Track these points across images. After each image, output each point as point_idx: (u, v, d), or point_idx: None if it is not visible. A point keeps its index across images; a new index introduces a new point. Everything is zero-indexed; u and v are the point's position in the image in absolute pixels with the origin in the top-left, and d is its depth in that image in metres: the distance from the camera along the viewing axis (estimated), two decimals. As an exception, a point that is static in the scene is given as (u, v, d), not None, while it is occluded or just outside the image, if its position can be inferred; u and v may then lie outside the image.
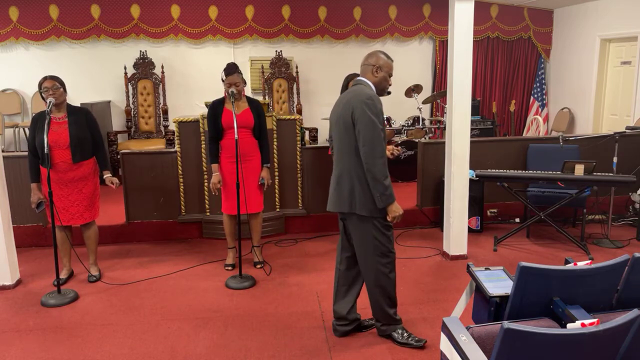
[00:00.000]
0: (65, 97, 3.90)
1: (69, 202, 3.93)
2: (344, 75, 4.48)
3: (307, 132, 7.06)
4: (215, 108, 4.10)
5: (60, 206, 3.89)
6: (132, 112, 7.38)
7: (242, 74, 4.06)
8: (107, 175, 4.04)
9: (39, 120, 3.83)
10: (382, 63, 2.98)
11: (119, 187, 4.18)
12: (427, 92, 7.78)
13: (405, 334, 3.12)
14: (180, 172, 5.00)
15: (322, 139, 7.52)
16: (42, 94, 3.81)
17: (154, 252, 4.79)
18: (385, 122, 2.61)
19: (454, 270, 4.28)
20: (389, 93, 3.05)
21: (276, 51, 7.66)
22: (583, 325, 1.87)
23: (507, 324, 1.62)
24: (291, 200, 5.22)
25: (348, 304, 3.18)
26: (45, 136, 3.62)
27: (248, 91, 7.68)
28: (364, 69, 3.04)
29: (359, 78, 3.04)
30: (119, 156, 5.43)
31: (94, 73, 7.36)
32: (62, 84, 3.86)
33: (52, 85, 3.77)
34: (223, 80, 4.01)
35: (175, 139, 5.00)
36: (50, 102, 3.72)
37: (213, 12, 7.44)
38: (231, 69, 3.99)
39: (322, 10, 7.68)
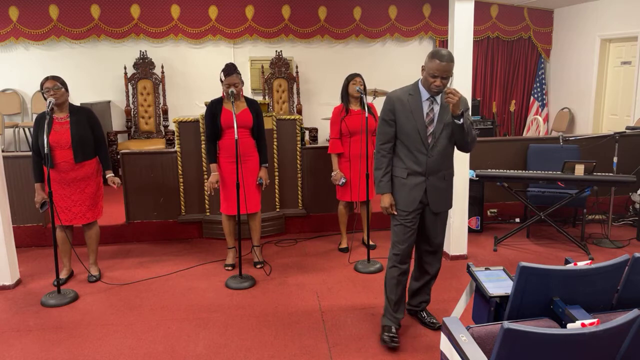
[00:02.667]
0: (67, 97, 3.90)
1: (71, 202, 3.93)
2: (344, 75, 4.48)
3: (307, 132, 7.06)
4: (214, 107, 4.10)
5: (63, 206, 3.89)
6: (132, 112, 7.38)
7: (240, 74, 4.06)
8: (109, 175, 4.05)
9: (41, 121, 3.82)
10: (425, 63, 2.97)
11: (119, 187, 4.18)
12: (427, 92, 7.76)
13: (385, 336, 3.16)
14: (180, 172, 5.00)
15: (322, 139, 7.52)
16: (44, 94, 3.81)
17: (154, 252, 4.79)
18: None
19: (454, 270, 4.28)
20: (437, 92, 2.96)
21: (276, 51, 7.66)
22: (583, 325, 1.87)
23: (507, 324, 1.62)
24: (291, 200, 5.22)
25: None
26: (45, 136, 3.62)
27: (248, 91, 7.68)
28: None
29: None
30: (119, 156, 5.43)
31: (94, 73, 7.36)
32: (64, 84, 3.86)
33: (53, 86, 3.77)
34: (222, 81, 4.01)
35: (175, 139, 5.00)
36: (50, 102, 3.72)
37: (213, 12, 7.44)
38: (230, 70, 3.99)
39: (322, 10, 7.68)
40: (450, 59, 2.88)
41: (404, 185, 3.08)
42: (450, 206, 3.22)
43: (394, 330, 3.15)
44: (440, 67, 2.87)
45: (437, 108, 3.02)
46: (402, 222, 3.12)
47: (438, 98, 3.02)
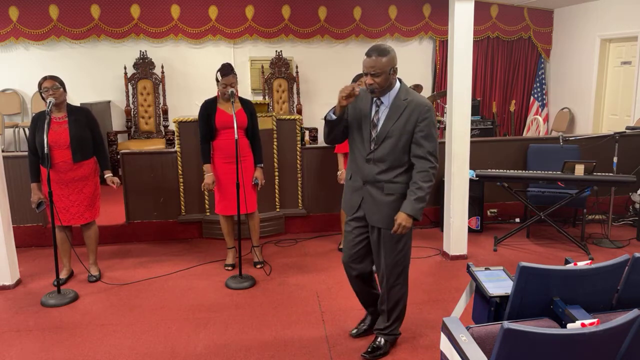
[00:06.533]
0: (65, 97, 3.89)
1: (69, 202, 3.93)
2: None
3: (307, 132, 7.05)
4: (208, 108, 4.08)
5: (61, 206, 3.89)
6: (132, 112, 7.38)
7: (236, 74, 4.06)
8: (108, 174, 4.04)
9: (39, 120, 3.82)
10: None
11: (119, 187, 4.18)
12: (427, 92, 7.77)
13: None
14: (180, 172, 5.00)
15: (322, 138, 7.53)
16: (42, 94, 3.80)
17: (154, 252, 4.79)
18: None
19: (454, 270, 4.28)
20: (371, 92, 2.77)
21: (276, 51, 7.66)
22: (583, 325, 1.87)
23: (507, 324, 1.62)
24: (291, 200, 5.22)
25: None
26: (45, 136, 3.62)
27: (248, 91, 7.69)
28: None
29: None
30: (119, 156, 5.43)
31: (94, 73, 7.36)
32: (62, 84, 3.86)
33: (52, 85, 3.77)
34: (218, 81, 4.00)
35: (175, 139, 5.01)
36: (50, 102, 3.72)
37: (213, 12, 7.44)
38: (228, 70, 3.99)
39: (322, 10, 7.68)
40: (377, 53, 2.67)
41: (348, 187, 2.97)
42: (390, 226, 2.79)
43: (367, 320, 3.24)
44: (366, 62, 2.70)
45: (383, 112, 2.78)
46: (347, 226, 2.99)
47: (385, 100, 2.79)
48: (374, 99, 2.81)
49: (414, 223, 2.80)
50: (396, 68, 2.76)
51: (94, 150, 4.00)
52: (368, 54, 2.72)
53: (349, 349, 3.10)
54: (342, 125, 2.88)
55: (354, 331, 3.25)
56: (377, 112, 2.81)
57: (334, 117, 2.81)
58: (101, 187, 4.17)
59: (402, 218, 2.73)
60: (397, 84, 2.82)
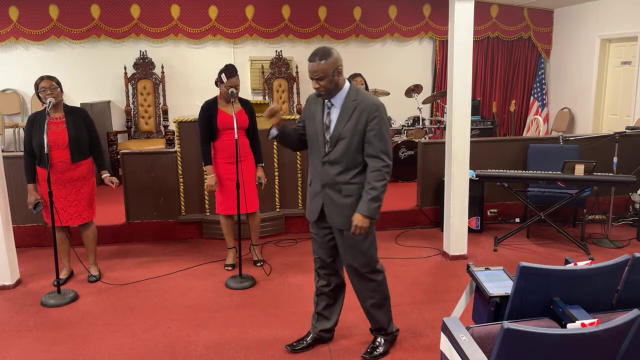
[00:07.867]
0: (62, 97, 3.89)
1: (67, 202, 3.93)
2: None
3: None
4: (209, 109, 4.08)
5: (59, 206, 3.88)
6: (132, 112, 7.38)
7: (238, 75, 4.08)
8: (105, 175, 4.04)
9: (35, 121, 3.82)
10: None
11: (118, 187, 4.18)
12: (427, 92, 7.77)
13: None
14: (180, 172, 5.00)
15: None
16: (39, 94, 3.80)
17: (154, 252, 4.79)
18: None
19: (454, 270, 4.28)
20: (318, 95, 2.80)
21: (276, 51, 7.66)
22: (583, 325, 1.87)
23: (507, 324, 1.62)
24: (291, 200, 5.22)
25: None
26: (45, 136, 3.62)
27: (248, 91, 7.69)
28: None
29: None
30: (119, 156, 5.43)
31: (94, 73, 7.36)
32: (59, 84, 3.86)
33: (50, 85, 3.77)
34: (222, 82, 4.00)
35: (175, 139, 5.01)
36: (50, 102, 3.72)
37: (213, 12, 7.44)
38: (233, 72, 4.00)
39: (322, 10, 7.68)
40: (319, 57, 2.66)
41: (309, 193, 2.95)
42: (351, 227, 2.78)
43: (309, 338, 3.11)
44: (309, 67, 2.68)
45: (334, 114, 2.77)
46: (312, 228, 2.99)
47: (336, 101, 2.77)
48: (325, 101, 2.81)
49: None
50: (340, 69, 2.74)
51: (91, 151, 4.01)
52: (310, 59, 2.70)
53: (349, 349, 3.10)
54: (293, 135, 2.95)
55: (290, 346, 3.10)
56: (328, 114, 2.80)
57: (275, 133, 2.88)
58: (100, 187, 4.17)
59: (357, 219, 2.74)
60: (347, 85, 2.81)
